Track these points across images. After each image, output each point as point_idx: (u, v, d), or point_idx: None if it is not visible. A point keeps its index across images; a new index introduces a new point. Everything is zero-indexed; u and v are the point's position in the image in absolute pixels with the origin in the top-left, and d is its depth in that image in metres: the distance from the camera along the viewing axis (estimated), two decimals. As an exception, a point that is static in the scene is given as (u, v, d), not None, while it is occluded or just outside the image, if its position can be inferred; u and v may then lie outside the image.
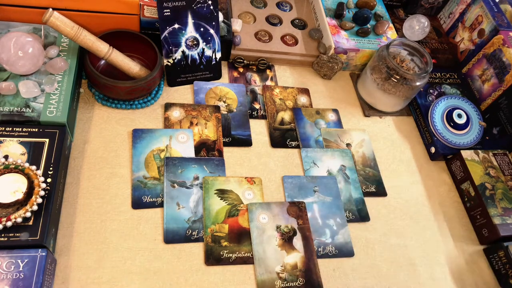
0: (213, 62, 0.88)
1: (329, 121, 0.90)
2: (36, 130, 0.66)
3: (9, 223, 0.55)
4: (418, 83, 0.89)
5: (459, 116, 0.91)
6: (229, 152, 0.80)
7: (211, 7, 0.82)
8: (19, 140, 0.64)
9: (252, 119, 0.86)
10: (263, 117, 0.87)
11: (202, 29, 0.83)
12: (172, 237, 0.68)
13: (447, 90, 1.00)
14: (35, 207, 0.57)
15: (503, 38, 0.94)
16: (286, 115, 0.88)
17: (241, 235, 0.71)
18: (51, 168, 0.63)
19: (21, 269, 0.55)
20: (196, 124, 0.81)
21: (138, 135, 0.77)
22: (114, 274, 0.63)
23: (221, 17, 0.89)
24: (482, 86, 0.99)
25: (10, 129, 0.65)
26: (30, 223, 0.58)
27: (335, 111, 0.92)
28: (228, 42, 0.89)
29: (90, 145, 0.74)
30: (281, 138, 0.85)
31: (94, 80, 0.74)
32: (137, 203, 0.70)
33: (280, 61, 0.97)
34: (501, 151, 0.89)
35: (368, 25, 1.00)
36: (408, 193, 0.85)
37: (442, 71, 1.03)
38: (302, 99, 0.92)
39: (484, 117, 0.97)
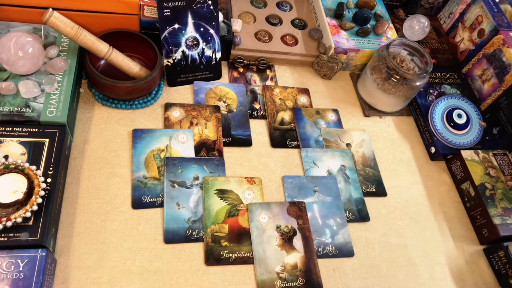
0: (213, 62, 0.88)
1: (329, 121, 0.90)
2: (36, 130, 0.66)
3: (9, 223, 0.55)
4: (418, 83, 0.89)
5: (459, 116, 0.91)
6: (229, 152, 0.80)
7: (211, 7, 0.82)
8: (19, 140, 0.64)
9: (252, 119, 0.86)
10: (263, 117, 0.87)
11: (202, 29, 0.83)
12: (172, 237, 0.68)
13: (447, 90, 1.00)
14: (35, 207, 0.57)
15: (503, 38, 0.94)
16: (286, 115, 0.88)
17: (241, 235, 0.71)
18: (51, 168, 0.63)
19: (21, 269, 0.55)
20: (196, 124, 0.81)
21: (138, 135, 0.77)
22: (114, 274, 0.63)
23: (221, 17, 0.89)
24: (482, 86, 0.99)
25: (10, 129, 0.65)
26: (30, 223, 0.58)
27: (335, 111, 0.92)
28: (228, 42, 0.89)
29: (90, 145, 0.74)
30: (281, 138, 0.85)
31: (94, 80, 0.74)
32: (137, 203, 0.70)
33: (280, 61, 0.97)
34: (501, 151, 0.89)
35: (368, 25, 1.00)
36: (408, 193, 0.85)
37: (442, 71, 1.03)
38: (302, 99, 0.92)
39: (484, 117, 0.97)
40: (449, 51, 1.08)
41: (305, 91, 0.94)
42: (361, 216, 0.79)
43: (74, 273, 0.62)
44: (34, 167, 0.60)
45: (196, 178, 0.74)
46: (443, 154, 0.89)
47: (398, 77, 0.88)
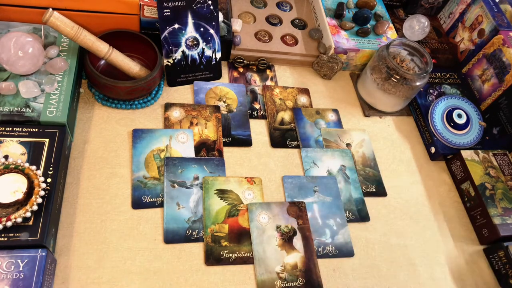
0: (213, 62, 0.88)
1: (329, 121, 0.90)
2: (36, 130, 0.66)
3: (9, 223, 0.55)
4: (418, 83, 0.89)
5: (459, 116, 0.91)
6: (229, 152, 0.80)
7: (211, 7, 0.82)
8: (19, 140, 0.64)
9: (252, 119, 0.86)
10: (263, 117, 0.87)
11: (202, 29, 0.83)
12: (172, 237, 0.68)
13: (447, 90, 1.00)
14: (35, 207, 0.57)
15: (503, 38, 0.94)
16: (286, 115, 0.88)
17: (241, 235, 0.71)
18: (51, 168, 0.63)
19: (21, 269, 0.55)
20: (196, 124, 0.81)
21: (138, 135, 0.77)
22: (114, 274, 0.63)
23: (221, 17, 0.89)
24: (482, 86, 0.99)
25: (10, 129, 0.65)
26: (30, 223, 0.58)
27: (335, 111, 0.92)
28: (228, 42, 0.89)
29: (90, 145, 0.74)
30: (281, 138, 0.85)
31: (94, 80, 0.74)
32: (137, 203, 0.70)
33: (280, 61, 0.97)
34: (501, 151, 0.89)
35: (368, 25, 1.00)
36: (408, 193, 0.85)
37: (442, 71, 1.03)
38: (302, 99, 0.92)
39: (484, 117, 0.97)
40: (449, 51, 1.08)
41: (305, 91, 0.94)
42: (361, 216, 0.79)
43: (74, 273, 0.62)
44: (34, 167, 0.60)
45: (196, 178, 0.74)
46: (443, 154, 0.89)
47: (398, 77, 0.88)
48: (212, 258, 0.68)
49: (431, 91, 0.98)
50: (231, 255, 0.68)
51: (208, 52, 0.86)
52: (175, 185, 0.73)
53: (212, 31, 0.84)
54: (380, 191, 0.83)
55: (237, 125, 0.84)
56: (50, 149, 0.65)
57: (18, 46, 0.66)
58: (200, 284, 0.65)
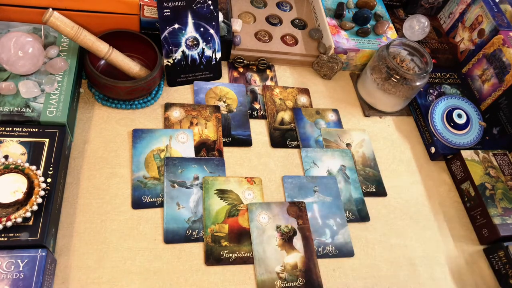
0: (213, 62, 0.88)
1: (329, 121, 0.90)
2: (36, 130, 0.66)
3: (9, 223, 0.55)
4: (418, 83, 0.89)
5: (459, 116, 0.91)
6: (229, 152, 0.80)
7: (211, 7, 0.82)
8: (19, 140, 0.64)
9: (252, 119, 0.86)
10: (263, 117, 0.87)
11: (202, 29, 0.83)
12: (172, 237, 0.68)
13: (447, 90, 1.00)
14: (35, 207, 0.57)
15: (503, 38, 0.94)
16: (286, 115, 0.88)
17: (241, 235, 0.71)
18: (51, 168, 0.63)
19: (21, 269, 0.55)
20: (196, 124, 0.81)
21: (138, 135, 0.77)
22: (114, 274, 0.63)
23: (221, 17, 0.89)
24: (482, 86, 0.99)
25: (10, 129, 0.65)
26: (30, 223, 0.58)
27: (335, 111, 0.92)
28: (228, 42, 0.89)
29: (90, 145, 0.74)
30: (281, 138, 0.85)
31: (94, 80, 0.74)
32: (137, 203, 0.70)
33: (280, 61, 0.97)
34: (501, 151, 0.89)
35: (368, 25, 1.00)
36: (408, 193, 0.85)
37: (442, 71, 1.03)
38: (302, 99, 0.92)
39: (484, 117, 0.97)
40: (449, 51, 1.08)
41: (305, 91, 0.94)
42: (361, 216, 0.79)
43: (74, 273, 0.62)
44: (34, 167, 0.60)
45: (196, 178, 0.74)
46: (443, 154, 0.89)
47: (398, 77, 0.88)
48: (212, 258, 0.68)
49: (431, 91, 0.98)
50: (231, 255, 0.68)
51: (208, 52, 0.86)
52: (175, 185, 0.73)
53: (212, 31, 0.84)
54: (380, 191, 0.83)
55: (237, 125, 0.84)
56: (50, 149, 0.65)
57: (18, 46, 0.66)
58: (200, 284, 0.65)
